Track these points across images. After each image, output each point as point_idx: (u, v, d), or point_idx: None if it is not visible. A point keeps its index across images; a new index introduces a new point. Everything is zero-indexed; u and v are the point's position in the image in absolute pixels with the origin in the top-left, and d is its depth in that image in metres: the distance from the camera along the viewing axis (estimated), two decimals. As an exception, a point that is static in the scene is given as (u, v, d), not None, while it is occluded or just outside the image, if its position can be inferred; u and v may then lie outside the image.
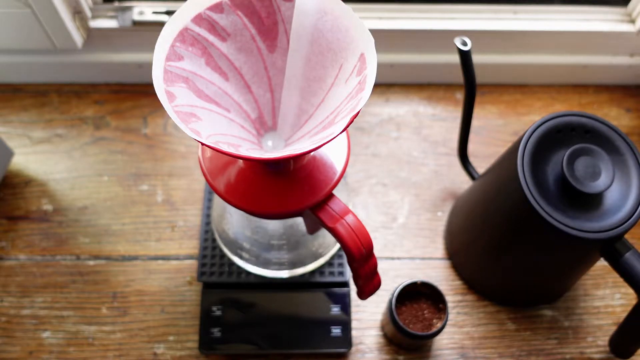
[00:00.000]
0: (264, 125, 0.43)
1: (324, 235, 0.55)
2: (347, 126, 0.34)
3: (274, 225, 0.54)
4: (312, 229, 0.47)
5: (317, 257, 0.57)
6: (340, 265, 0.58)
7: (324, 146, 0.35)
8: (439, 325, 0.53)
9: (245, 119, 0.41)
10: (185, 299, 0.60)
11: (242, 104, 0.41)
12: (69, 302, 0.59)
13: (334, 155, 0.43)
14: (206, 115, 0.37)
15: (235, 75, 0.40)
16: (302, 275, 0.57)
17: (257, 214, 0.42)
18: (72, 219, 0.64)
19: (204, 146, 0.41)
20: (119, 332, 0.58)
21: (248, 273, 0.57)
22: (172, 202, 0.65)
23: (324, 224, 0.41)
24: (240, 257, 0.57)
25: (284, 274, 0.57)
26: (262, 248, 0.55)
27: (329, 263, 0.58)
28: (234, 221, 0.55)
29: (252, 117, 0.42)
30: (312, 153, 0.42)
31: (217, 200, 0.58)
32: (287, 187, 0.41)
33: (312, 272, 0.57)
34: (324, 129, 0.37)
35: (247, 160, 0.35)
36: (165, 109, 0.34)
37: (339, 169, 0.42)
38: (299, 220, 0.52)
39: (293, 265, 0.56)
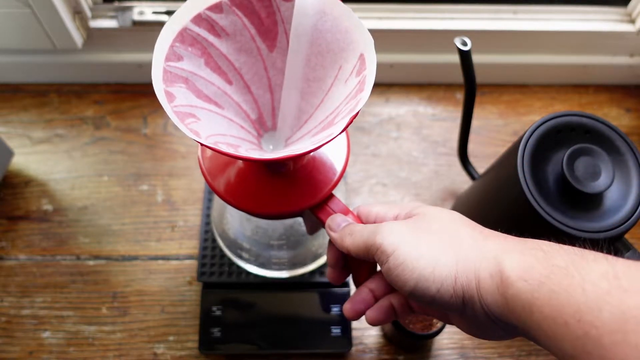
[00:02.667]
0: (264, 125, 0.43)
1: (324, 236, 0.55)
2: (347, 127, 0.34)
3: (273, 226, 0.54)
4: (312, 229, 0.47)
5: (316, 257, 0.57)
6: (340, 265, 0.58)
7: (323, 146, 0.35)
8: (439, 325, 0.53)
9: (244, 119, 0.41)
10: (185, 299, 0.60)
11: (242, 104, 0.41)
12: (69, 302, 0.59)
13: (333, 156, 0.43)
14: (205, 116, 0.37)
15: (235, 76, 0.40)
16: (302, 276, 0.57)
17: (256, 214, 0.42)
18: (72, 219, 0.64)
19: (203, 146, 0.41)
20: (119, 332, 0.58)
21: (248, 273, 0.57)
22: (172, 202, 0.65)
23: (324, 224, 0.41)
24: (240, 257, 0.57)
25: (284, 274, 0.57)
26: (262, 248, 0.55)
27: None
28: (234, 221, 0.55)
29: (251, 118, 0.42)
30: (311, 153, 0.42)
31: (217, 200, 0.58)
32: (287, 188, 0.41)
33: (312, 272, 0.57)
34: (323, 129, 0.37)
35: (247, 160, 0.35)
36: (165, 109, 0.34)
37: (338, 169, 0.42)
38: (299, 221, 0.52)
39: (293, 265, 0.56)
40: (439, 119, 0.72)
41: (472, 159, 0.64)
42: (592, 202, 0.46)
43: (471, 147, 0.68)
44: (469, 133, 0.59)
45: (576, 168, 0.45)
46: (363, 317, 0.38)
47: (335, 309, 0.57)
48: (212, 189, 0.42)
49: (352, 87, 0.37)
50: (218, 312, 0.56)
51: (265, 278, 0.57)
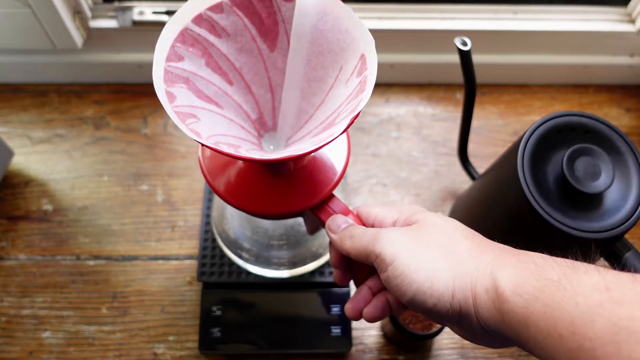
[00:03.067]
0: (264, 125, 0.43)
1: (324, 236, 0.55)
2: (347, 127, 0.34)
3: (274, 226, 0.54)
4: (313, 229, 0.47)
5: (317, 257, 0.57)
6: (340, 265, 0.58)
7: (324, 147, 0.35)
8: (439, 325, 0.53)
9: (245, 119, 0.41)
10: (185, 299, 0.60)
11: (243, 105, 0.41)
12: (69, 302, 0.59)
13: (334, 156, 0.43)
14: (206, 116, 0.37)
15: (236, 76, 0.40)
16: (302, 275, 0.57)
17: (257, 214, 0.42)
18: (72, 219, 0.64)
19: (203, 147, 0.41)
20: (119, 332, 0.58)
21: (248, 273, 0.57)
22: (172, 202, 0.65)
23: (324, 224, 0.41)
24: (240, 257, 0.57)
25: (284, 273, 0.57)
26: (262, 248, 0.55)
27: (329, 263, 0.58)
28: (234, 221, 0.55)
29: (252, 118, 0.42)
30: (312, 154, 0.42)
31: (217, 200, 0.58)
32: (287, 188, 0.41)
33: (312, 272, 0.57)
34: (324, 129, 0.37)
35: (247, 161, 0.35)
36: (165, 109, 0.34)
37: (339, 169, 0.42)
38: (299, 221, 0.52)
39: (293, 265, 0.56)
40: (439, 119, 0.72)
41: (472, 159, 0.64)
42: (592, 202, 0.46)
43: (471, 147, 0.68)
44: (469, 133, 0.59)
45: (576, 168, 0.45)
46: (363, 320, 0.39)
47: (335, 309, 0.57)
48: (212, 189, 0.42)
49: (353, 88, 0.37)
50: (218, 312, 0.56)
51: (265, 278, 0.57)
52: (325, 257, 0.57)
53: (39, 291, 0.60)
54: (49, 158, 0.68)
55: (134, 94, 0.73)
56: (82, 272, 0.61)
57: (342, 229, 0.39)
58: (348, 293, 0.57)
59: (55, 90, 0.73)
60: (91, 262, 0.62)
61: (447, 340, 0.58)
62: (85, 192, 0.66)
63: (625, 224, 0.45)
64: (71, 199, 0.65)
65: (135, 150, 0.68)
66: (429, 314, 0.34)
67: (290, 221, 0.53)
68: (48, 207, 0.65)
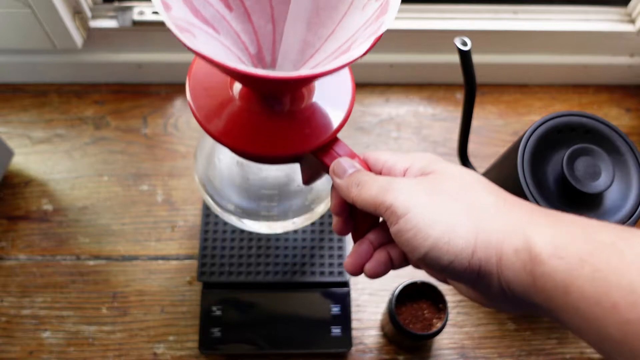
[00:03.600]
0: (262, 61, 0.39)
1: (318, 189, 0.53)
2: (370, 49, 0.30)
3: (266, 173, 0.50)
4: (309, 178, 0.43)
5: (307, 210, 0.53)
6: (340, 265, 0.58)
7: (326, 87, 0.31)
8: (439, 325, 0.53)
9: (243, 50, 0.37)
10: (185, 299, 0.60)
11: (241, 34, 0.37)
12: (69, 302, 0.59)
13: (337, 98, 0.39)
14: (202, 36, 0.34)
15: (235, 1, 0.36)
16: (303, 275, 0.57)
17: (255, 156, 0.38)
18: (72, 219, 0.64)
19: (192, 90, 0.37)
20: (119, 332, 0.58)
21: (248, 273, 0.57)
22: (172, 202, 0.65)
23: (328, 168, 0.38)
24: (225, 209, 0.53)
25: (277, 227, 0.54)
26: (252, 198, 0.52)
27: (329, 263, 0.58)
28: (222, 167, 0.51)
29: (250, 51, 0.38)
30: (312, 100, 0.39)
31: (203, 145, 0.53)
32: (288, 129, 0.38)
33: (312, 272, 0.57)
34: (336, 59, 0.33)
35: (247, 76, 0.29)
36: (162, 17, 0.31)
37: (344, 111, 0.39)
38: (295, 168, 0.47)
39: (282, 217, 0.53)
40: (439, 119, 0.72)
41: (472, 159, 0.64)
42: (592, 202, 0.46)
43: (471, 147, 0.68)
44: (469, 133, 0.59)
45: (576, 168, 0.45)
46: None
47: (335, 309, 0.57)
48: (205, 131, 0.38)
49: (371, 13, 0.33)
50: (218, 312, 0.56)
51: (266, 277, 0.57)
52: (316, 212, 0.54)
53: (39, 291, 0.60)
54: (49, 158, 0.68)
55: (134, 94, 0.73)
56: (82, 272, 0.61)
57: (348, 174, 0.35)
58: (348, 293, 0.57)
59: (55, 90, 0.73)
60: (91, 262, 0.62)
61: (447, 340, 0.58)
62: (85, 192, 0.66)
63: (625, 224, 0.45)
64: (71, 199, 0.65)
65: (135, 150, 0.68)
66: (441, 272, 0.31)
67: (286, 169, 0.50)
68: (48, 207, 0.65)
